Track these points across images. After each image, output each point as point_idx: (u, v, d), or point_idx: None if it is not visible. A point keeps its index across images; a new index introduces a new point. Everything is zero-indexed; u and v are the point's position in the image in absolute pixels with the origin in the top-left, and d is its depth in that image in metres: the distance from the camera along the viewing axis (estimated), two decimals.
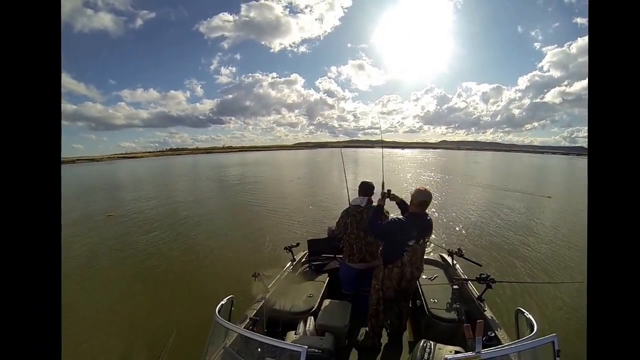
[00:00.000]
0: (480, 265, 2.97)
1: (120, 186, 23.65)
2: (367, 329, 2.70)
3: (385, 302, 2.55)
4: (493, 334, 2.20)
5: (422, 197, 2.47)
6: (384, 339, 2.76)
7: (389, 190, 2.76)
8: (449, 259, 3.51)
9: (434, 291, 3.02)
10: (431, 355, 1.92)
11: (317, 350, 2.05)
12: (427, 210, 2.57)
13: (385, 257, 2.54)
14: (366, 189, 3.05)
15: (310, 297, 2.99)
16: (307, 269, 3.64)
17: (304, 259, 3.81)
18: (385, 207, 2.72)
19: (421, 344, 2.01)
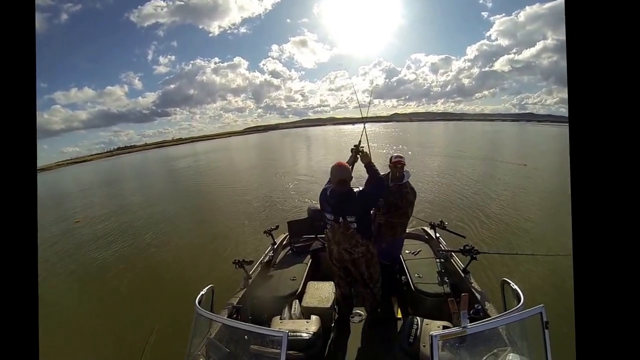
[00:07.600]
0: (464, 237, 2.91)
1: (79, 192, 22.30)
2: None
3: (342, 292, 2.61)
4: (480, 307, 2.15)
5: (339, 176, 2.32)
6: (370, 317, 2.72)
7: (356, 146, 2.55)
8: (432, 232, 3.41)
9: (418, 266, 2.95)
10: (419, 331, 1.87)
11: (302, 334, 1.98)
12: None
13: None
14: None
15: (293, 280, 2.93)
16: (289, 251, 3.57)
17: (285, 242, 3.71)
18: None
19: (408, 320, 1.97)
